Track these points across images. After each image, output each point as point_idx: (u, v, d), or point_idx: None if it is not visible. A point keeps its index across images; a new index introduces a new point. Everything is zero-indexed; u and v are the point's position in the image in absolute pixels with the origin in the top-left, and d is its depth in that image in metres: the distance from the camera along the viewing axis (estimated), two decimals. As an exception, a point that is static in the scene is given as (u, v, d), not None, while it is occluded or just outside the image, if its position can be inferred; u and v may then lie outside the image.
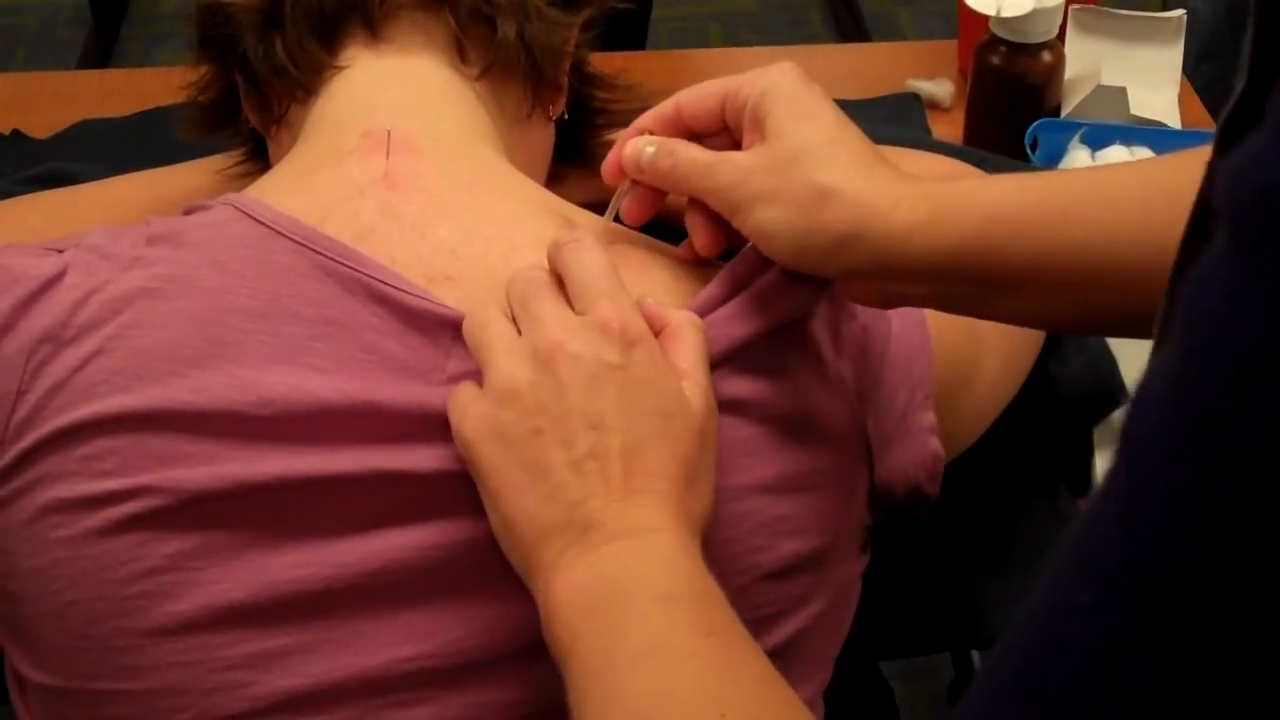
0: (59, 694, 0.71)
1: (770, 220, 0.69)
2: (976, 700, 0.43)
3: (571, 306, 0.67)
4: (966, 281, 0.69)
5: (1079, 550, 0.40)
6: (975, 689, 0.43)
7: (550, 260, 0.69)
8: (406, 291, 0.70)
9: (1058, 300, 0.69)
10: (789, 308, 0.71)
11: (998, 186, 0.70)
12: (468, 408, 0.66)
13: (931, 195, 0.68)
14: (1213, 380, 0.36)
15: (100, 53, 2.93)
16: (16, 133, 1.30)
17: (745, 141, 0.73)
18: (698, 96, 0.75)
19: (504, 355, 0.66)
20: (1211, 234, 0.38)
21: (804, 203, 0.68)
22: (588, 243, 0.69)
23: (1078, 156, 1.26)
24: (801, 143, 0.69)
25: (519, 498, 0.64)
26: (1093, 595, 0.39)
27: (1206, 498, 0.36)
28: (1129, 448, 0.39)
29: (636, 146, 0.75)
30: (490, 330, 0.67)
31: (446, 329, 0.69)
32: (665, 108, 0.76)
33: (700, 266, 0.76)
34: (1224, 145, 0.43)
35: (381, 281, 0.70)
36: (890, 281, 0.70)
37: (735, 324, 0.71)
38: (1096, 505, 0.40)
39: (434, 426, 0.68)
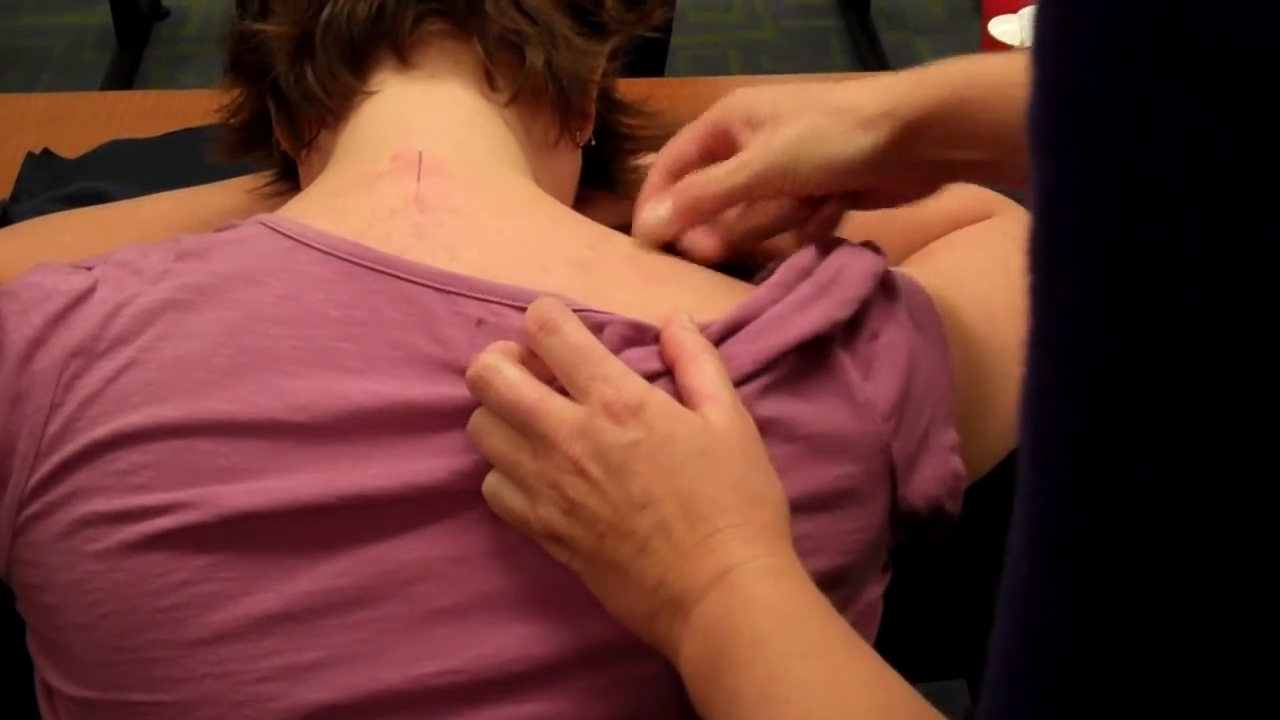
0: (90, 706, 0.71)
1: (809, 137, 0.77)
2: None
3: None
4: (985, 147, 0.77)
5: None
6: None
7: (532, 345, 0.69)
8: (431, 286, 0.71)
9: None
10: (811, 323, 0.72)
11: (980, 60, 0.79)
12: (550, 549, 0.68)
13: (915, 72, 0.78)
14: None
15: (124, 76, 2.95)
16: (47, 152, 1.32)
17: (744, 143, 0.80)
18: (675, 145, 0.84)
19: (540, 508, 0.67)
20: None
21: (830, 114, 0.78)
22: (557, 324, 0.68)
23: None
24: (794, 101, 0.79)
25: (616, 599, 0.67)
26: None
27: None
28: None
29: (653, 214, 0.80)
30: (510, 501, 0.68)
31: (470, 315, 0.71)
32: (654, 177, 0.83)
33: (726, 283, 0.78)
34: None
35: (406, 279, 0.71)
36: (923, 153, 0.78)
37: (763, 338, 0.72)
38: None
39: (462, 417, 0.69)
